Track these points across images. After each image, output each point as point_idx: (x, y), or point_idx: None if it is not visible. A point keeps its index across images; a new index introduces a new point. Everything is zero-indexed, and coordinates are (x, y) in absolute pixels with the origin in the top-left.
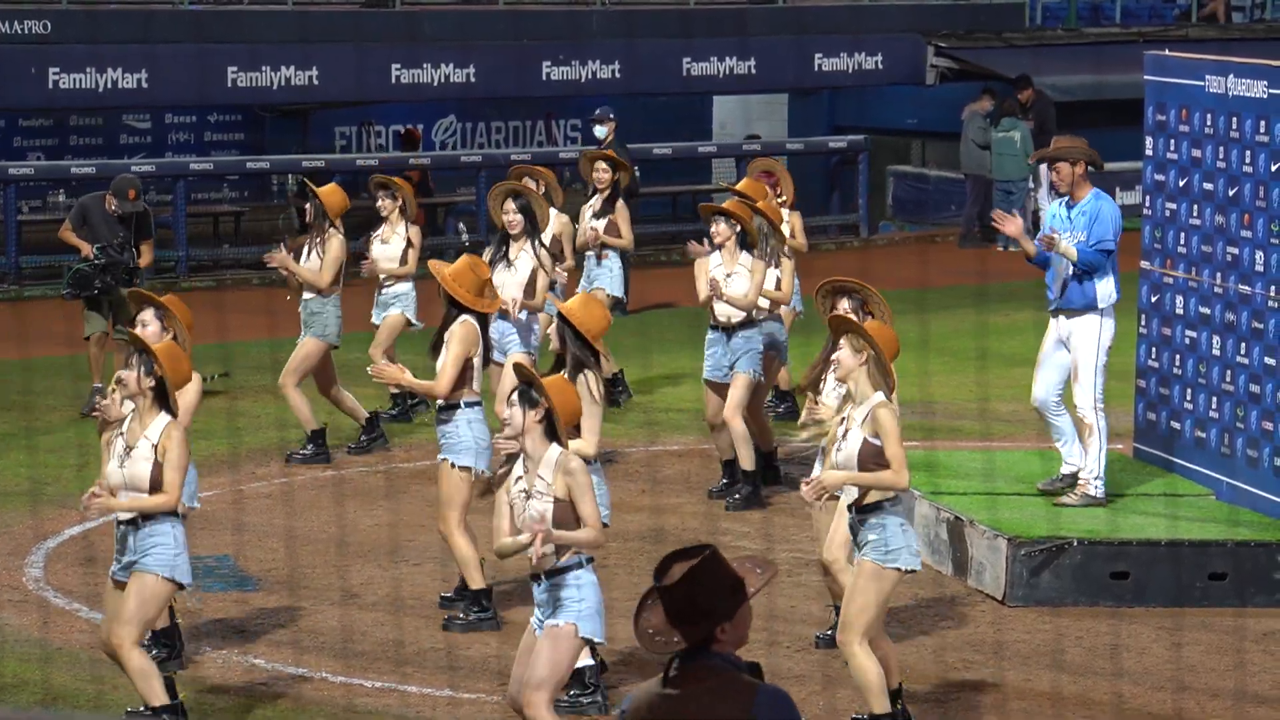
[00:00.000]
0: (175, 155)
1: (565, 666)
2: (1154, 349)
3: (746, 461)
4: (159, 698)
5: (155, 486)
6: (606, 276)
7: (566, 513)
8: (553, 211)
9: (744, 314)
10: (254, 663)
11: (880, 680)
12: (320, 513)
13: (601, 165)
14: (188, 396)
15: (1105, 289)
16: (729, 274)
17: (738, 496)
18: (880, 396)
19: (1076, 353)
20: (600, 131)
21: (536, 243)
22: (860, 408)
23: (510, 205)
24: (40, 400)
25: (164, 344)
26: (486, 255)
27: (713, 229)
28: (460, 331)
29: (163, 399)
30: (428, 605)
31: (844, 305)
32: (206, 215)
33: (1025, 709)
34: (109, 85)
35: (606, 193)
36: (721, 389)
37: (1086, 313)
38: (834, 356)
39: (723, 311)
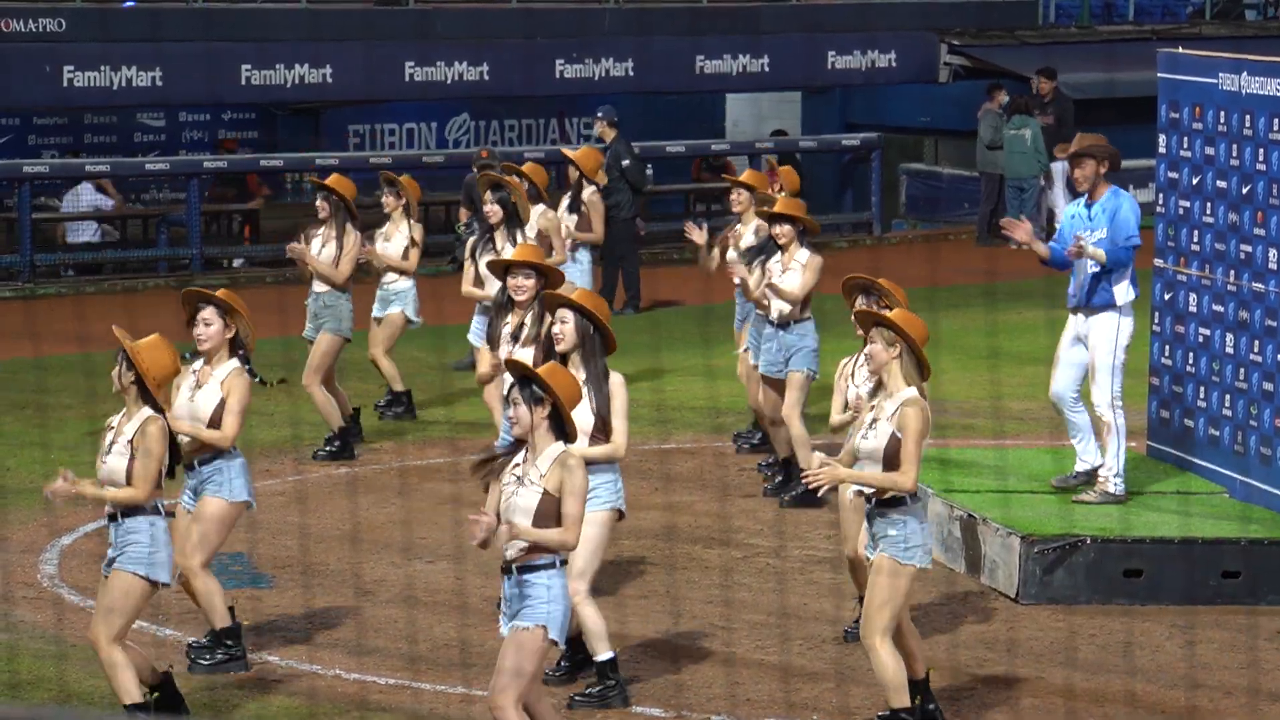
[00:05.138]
0: (189, 153)
1: (531, 669)
2: (1167, 347)
3: (805, 461)
4: (130, 696)
5: (130, 481)
6: (576, 270)
7: (552, 506)
8: (540, 208)
9: (793, 308)
10: (267, 659)
11: (900, 676)
12: (334, 510)
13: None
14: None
15: (1123, 287)
16: (785, 269)
17: (793, 494)
18: (912, 392)
19: (1094, 351)
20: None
21: (518, 234)
22: (892, 400)
23: (489, 195)
24: (53, 398)
25: (148, 340)
26: (469, 244)
27: (774, 230)
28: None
29: (146, 393)
30: (441, 602)
31: (861, 302)
32: (220, 213)
33: (1038, 706)
34: (123, 83)
35: (572, 188)
36: (777, 385)
37: (1105, 310)
38: (866, 351)
39: (775, 306)
